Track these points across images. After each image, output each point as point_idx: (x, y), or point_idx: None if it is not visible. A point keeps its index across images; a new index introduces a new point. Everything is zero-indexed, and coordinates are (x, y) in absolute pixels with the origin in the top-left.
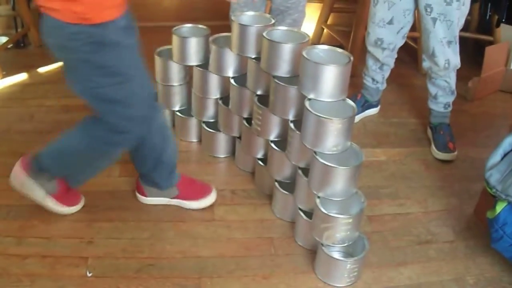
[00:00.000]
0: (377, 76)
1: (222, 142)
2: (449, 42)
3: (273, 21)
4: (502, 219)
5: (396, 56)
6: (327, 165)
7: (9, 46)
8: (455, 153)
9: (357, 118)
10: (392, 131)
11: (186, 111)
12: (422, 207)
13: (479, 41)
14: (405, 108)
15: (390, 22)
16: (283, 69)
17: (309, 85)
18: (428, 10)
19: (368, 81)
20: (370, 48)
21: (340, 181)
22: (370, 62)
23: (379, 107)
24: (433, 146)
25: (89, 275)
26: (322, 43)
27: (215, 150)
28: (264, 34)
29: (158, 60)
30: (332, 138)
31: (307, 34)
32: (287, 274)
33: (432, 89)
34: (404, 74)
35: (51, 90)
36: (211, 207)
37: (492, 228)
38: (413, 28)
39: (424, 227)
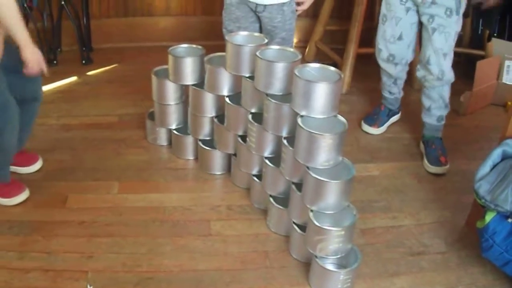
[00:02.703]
0: (393, 89)
1: (218, 159)
2: (445, 54)
3: (266, 40)
4: (492, 228)
5: (407, 69)
6: (319, 179)
7: None
8: (447, 166)
9: (385, 126)
10: (385, 146)
11: (183, 129)
12: (415, 219)
13: (471, 55)
14: (398, 123)
15: (400, 38)
16: (276, 87)
17: (301, 103)
18: (430, 20)
19: (386, 93)
20: (383, 64)
21: (332, 194)
22: (384, 78)
23: (400, 113)
24: (425, 160)
25: None
26: (317, 61)
27: (211, 167)
28: (257, 53)
29: (154, 80)
30: (324, 153)
31: (299, 52)
32: (282, 286)
33: (426, 102)
34: None
35: (50, 110)
36: (207, 222)
37: (482, 238)
38: None
39: (416, 239)
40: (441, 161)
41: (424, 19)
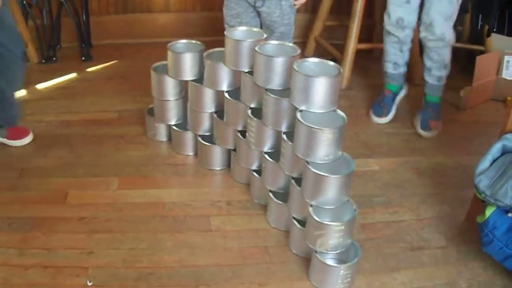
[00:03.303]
0: (398, 59)
1: (217, 154)
2: (448, 17)
3: (265, 35)
4: (492, 223)
5: (412, 35)
6: (319, 174)
7: None
8: (434, 132)
9: (392, 113)
10: (385, 141)
11: (182, 125)
12: (415, 214)
13: (471, 51)
14: (398, 118)
15: (408, 1)
16: (275, 82)
17: (300, 97)
18: None
19: (389, 68)
20: (391, 28)
21: (332, 189)
22: (389, 46)
23: (405, 86)
24: (417, 121)
25: (90, 284)
26: (317, 56)
27: (211, 162)
28: (257, 48)
29: (154, 76)
30: (324, 148)
31: (298, 47)
32: (282, 281)
33: (427, 62)
34: None
35: (50, 106)
36: (207, 218)
37: (482, 233)
38: None
39: (416, 234)
40: (429, 126)
41: None
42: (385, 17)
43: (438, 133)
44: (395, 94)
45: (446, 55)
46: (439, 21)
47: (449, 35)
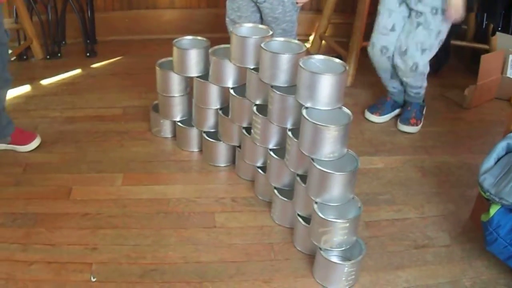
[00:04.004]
0: (393, 83)
1: (222, 151)
2: (424, 50)
3: (270, 32)
4: (496, 221)
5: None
6: (324, 171)
7: (12, 59)
8: (416, 127)
9: (388, 116)
10: (389, 139)
11: (187, 121)
12: (419, 212)
13: (475, 49)
14: None
15: (392, 29)
16: (281, 79)
17: (306, 94)
18: (418, 15)
19: (390, 88)
20: (376, 59)
21: (337, 186)
22: (381, 74)
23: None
24: (398, 119)
25: (93, 280)
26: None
27: (216, 159)
28: (262, 45)
29: (159, 72)
30: (329, 145)
31: (304, 44)
32: (286, 278)
33: (401, 82)
34: None
35: (55, 102)
36: (212, 214)
37: (487, 231)
38: None
39: (421, 232)
40: (410, 122)
41: (412, 13)
42: (369, 48)
43: (442, 132)
44: (396, 103)
45: (419, 82)
46: (414, 50)
47: (423, 68)
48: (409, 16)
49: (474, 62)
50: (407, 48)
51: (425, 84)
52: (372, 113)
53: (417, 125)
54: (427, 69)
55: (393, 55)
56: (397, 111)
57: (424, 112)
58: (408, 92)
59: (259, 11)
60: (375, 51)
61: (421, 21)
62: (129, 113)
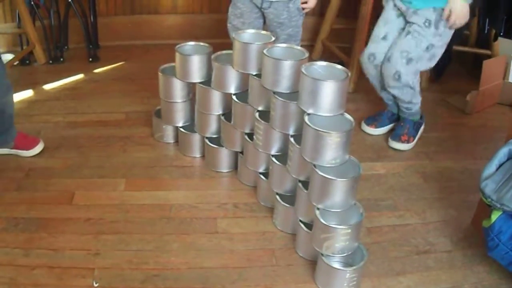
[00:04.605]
0: (385, 94)
1: (225, 157)
2: (410, 59)
3: (273, 38)
4: (498, 227)
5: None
6: (326, 177)
7: (15, 63)
8: (408, 144)
9: (384, 129)
10: None
11: (190, 127)
12: (421, 218)
13: (478, 55)
14: None
15: (384, 38)
16: (283, 85)
17: (308, 101)
18: (409, 25)
19: (384, 98)
20: (364, 65)
21: (338, 193)
22: (372, 82)
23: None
24: (390, 136)
25: (96, 285)
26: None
27: (218, 165)
28: (265, 51)
29: (161, 77)
30: (331, 152)
31: (306, 50)
32: (288, 284)
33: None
34: None
35: (57, 107)
36: (214, 220)
37: (488, 237)
38: None
39: (422, 238)
40: (401, 139)
41: (407, 25)
42: (361, 55)
43: (444, 137)
44: (394, 114)
45: (407, 96)
46: (397, 57)
47: (407, 79)
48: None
49: (476, 67)
50: (391, 55)
51: (416, 100)
52: (368, 124)
53: (408, 142)
54: (414, 83)
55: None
56: (392, 124)
57: (420, 130)
58: (400, 107)
59: (262, 17)
60: (363, 57)
61: (411, 30)
62: (131, 118)
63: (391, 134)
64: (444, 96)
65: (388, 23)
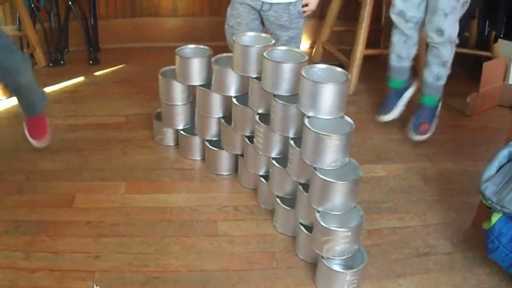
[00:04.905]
0: (402, 51)
1: (225, 160)
2: (446, 14)
3: (273, 41)
4: (498, 229)
5: (419, 31)
6: (326, 180)
7: None
8: (423, 136)
9: (398, 108)
10: (392, 147)
11: (190, 130)
12: (421, 220)
13: (478, 57)
14: (404, 124)
15: None
16: (283, 88)
17: (308, 103)
18: None
19: (392, 60)
20: (394, 18)
21: (339, 195)
22: (394, 37)
23: (414, 85)
24: (409, 125)
25: None
26: (324, 62)
27: (218, 167)
28: (265, 54)
29: (162, 80)
30: (331, 154)
31: (306, 53)
32: (288, 286)
33: (428, 57)
34: None
35: (57, 110)
36: (214, 222)
37: (488, 239)
38: None
39: (422, 240)
40: (419, 129)
41: None
42: (390, 7)
43: (444, 139)
44: (399, 91)
45: (447, 52)
46: (436, 17)
47: (450, 32)
48: None
49: (476, 69)
50: (430, 16)
51: (449, 67)
52: (380, 114)
53: (425, 132)
54: (454, 35)
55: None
56: (407, 94)
57: (437, 112)
58: (429, 77)
59: (259, 19)
60: (394, 10)
61: None
62: (132, 121)
63: (411, 125)
64: (444, 98)
65: None
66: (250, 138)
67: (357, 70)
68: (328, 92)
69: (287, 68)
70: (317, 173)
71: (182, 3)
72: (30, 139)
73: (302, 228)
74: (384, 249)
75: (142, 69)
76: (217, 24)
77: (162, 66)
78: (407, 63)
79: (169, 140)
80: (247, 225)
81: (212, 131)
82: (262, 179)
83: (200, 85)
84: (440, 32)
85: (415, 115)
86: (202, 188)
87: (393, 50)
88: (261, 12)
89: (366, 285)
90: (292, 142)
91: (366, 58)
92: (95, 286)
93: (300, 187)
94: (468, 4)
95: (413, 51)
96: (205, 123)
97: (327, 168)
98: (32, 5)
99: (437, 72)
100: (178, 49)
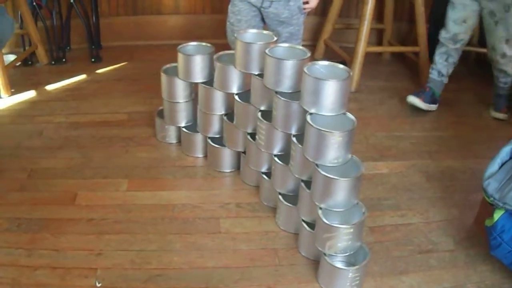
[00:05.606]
0: (443, 69)
1: (227, 157)
2: (507, 40)
3: (275, 38)
4: (500, 226)
5: (461, 50)
6: (328, 177)
7: (17, 64)
8: (505, 115)
9: (424, 106)
10: (394, 144)
11: (192, 127)
12: (423, 217)
13: (480, 54)
14: (407, 121)
15: (465, 21)
16: (285, 85)
17: (310, 100)
18: (492, 15)
19: (434, 75)
20: (445, 41)
21: (341, 192)
22: (437, 57)
23: (437, 105)
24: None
25: (98, 285)
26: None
27: (220, 165)
28: (267, 51)
29: (164, 78)
30: (333, 151)
31: (308, 50)
32: (291, 283)
33: (494, 73)
34: (406, 88)
35: (59, 107)
36: (217, 220)
37: (491, 236)
38: (415, 42)
39: (425, 237)
40: (502, 111)
41: (485, 12)
42: (443, 32)
43: (446, 136)
44: (434, 95)
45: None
46: (499, 45)
47: (510, 53)
48: (480, 11)
49: (478, 66)
50: (493, 44)
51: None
52: (417, 96)
53: (506, 113)
54: None
55: (487, 51)
56: (431, 106)
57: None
58: (498, 87)
59: (260, 15)
60: (448, 35)
61: (497, 20)
62: (134, 118)
63: (493, 107)
64: (446, 95)
65: (466, 7)
66: (252, 135)
67: (359, 67)
68: (330, 89)
69: (289, 65)
70: (319, 170)
71: (184, 1)
72: None
73: (305, 225)
74: (387, 246)
75: (144, 67)
76: (219, 22)
77: (164, 64)
78: (445, 80)
79: (171, 137)
80: (250, 222)
81: (214, 128)
82: (264, 176)
83: (202, 83)
84: (503, 55)
85: (496, 98)
86: (204, 186)
87: (434, 67)
88: (262, 9)
89: (369, 282)
90: (294, 139)
91: (368, 55)
92: (97, 283)
93: (303, 184)
94: None
95: (451, 69)
96: (207, 120)
97: (329, 165)
98: (34, 3)
99: (504, 81)
100: (180, 46)
